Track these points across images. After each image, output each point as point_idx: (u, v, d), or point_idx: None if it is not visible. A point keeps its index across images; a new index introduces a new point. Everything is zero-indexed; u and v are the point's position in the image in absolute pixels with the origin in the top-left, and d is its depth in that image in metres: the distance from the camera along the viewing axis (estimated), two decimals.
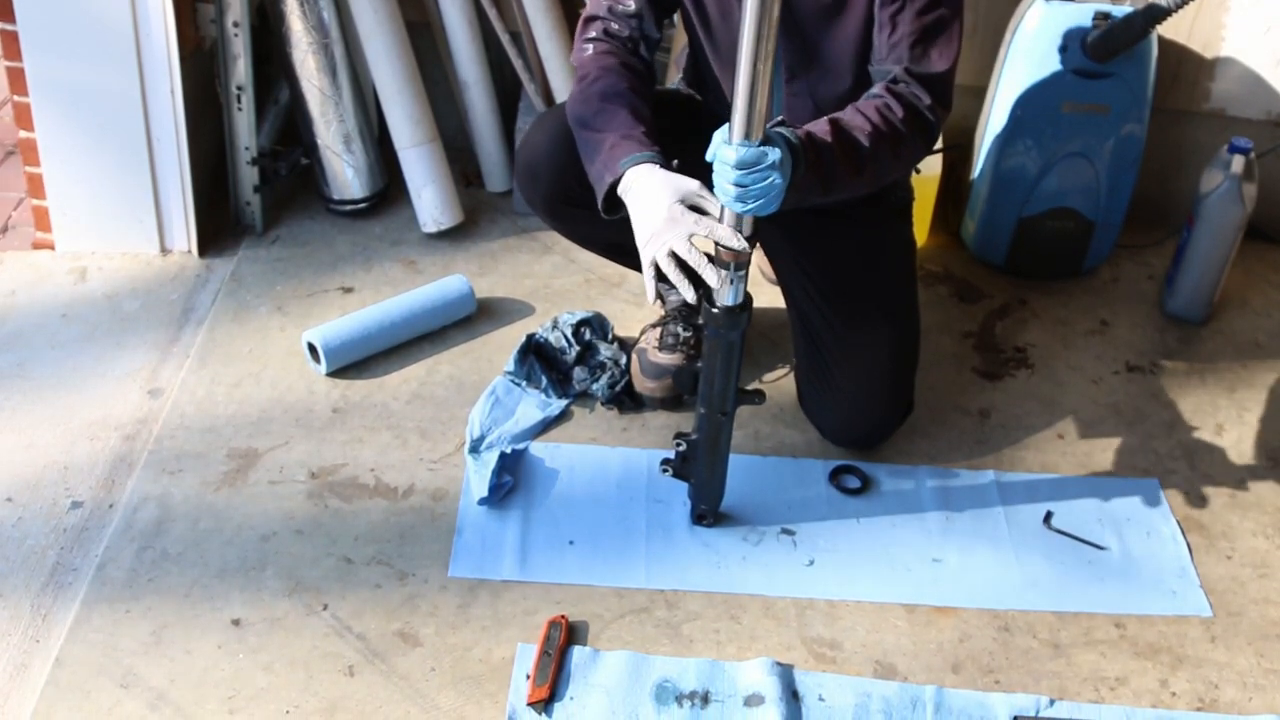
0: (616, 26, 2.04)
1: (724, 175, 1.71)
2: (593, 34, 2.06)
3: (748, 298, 1.86)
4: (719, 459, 2.02)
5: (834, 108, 1.95)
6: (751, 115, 1.67)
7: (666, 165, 1.85)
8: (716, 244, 1.79)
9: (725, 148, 1.71)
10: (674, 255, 1.79)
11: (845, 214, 2.23)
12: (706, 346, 1.89)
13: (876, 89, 1.95)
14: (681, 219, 1.78)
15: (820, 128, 1.84)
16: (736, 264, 1.79)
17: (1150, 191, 2.86)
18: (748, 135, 1.69)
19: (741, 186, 1.71)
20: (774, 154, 1.70)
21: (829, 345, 2.20)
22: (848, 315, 2.19)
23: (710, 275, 1.79)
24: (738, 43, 2.01)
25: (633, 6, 2.04)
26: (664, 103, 2.14)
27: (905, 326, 2.24)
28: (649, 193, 1.82)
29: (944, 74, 1.96)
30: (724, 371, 1.91)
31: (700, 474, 2.04)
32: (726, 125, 1.72)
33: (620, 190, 1.87)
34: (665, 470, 2.05)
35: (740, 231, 1.78)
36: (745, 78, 1.64)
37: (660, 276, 1.82)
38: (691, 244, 1.78)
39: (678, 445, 2.01)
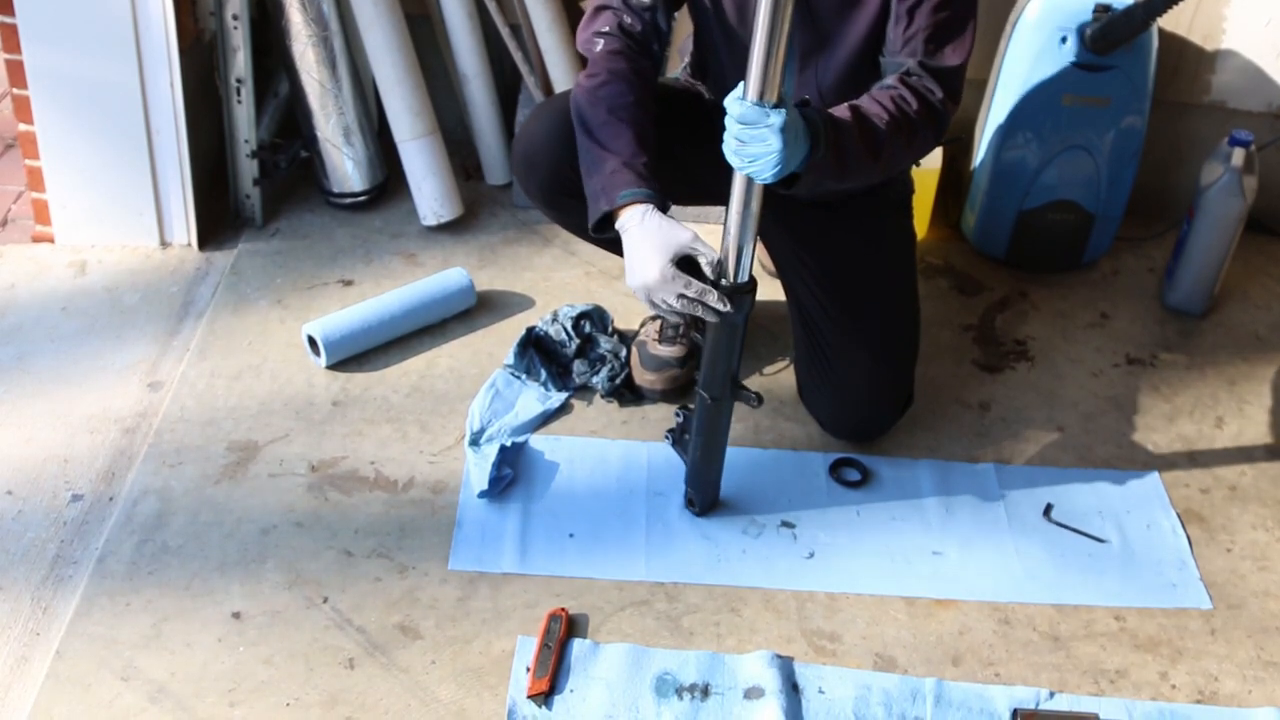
0: (630, 20, 2.03)
1: (729, 129, 1.72)
2: (605, 27, 2.03)
3: (753, 280, 1.86)
4: (713, 448, 2.02)
5: (835, 97, 1.95)
6: (765, 77, 1.67)
7: (663, 206, 1.88)
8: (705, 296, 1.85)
9: (732, 101, 1.71)
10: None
11: (845, 207, 2.23)
12: (709, 327, 1.89)
13: (890, 80, 1.95)
14: (673, 281, 1.83)
15: (841, 111, 1.85)
16: (736, 305, 1.85)
17: (1150, 184, 2.86)
18: (761, 96, 1.69)
19: (740, 142, 1.71)
20: (777, 117, 1.69)
21: (828, 338, 2.20)
22: (847, 308, 2.19)
23: (709, 314, 1.84)
24: (749, 21, 2.02)
25: None
26: (665, 96, 2.14)
27: (905, 319, 2.25)
28: (643, 243, 1.85)
29: (957, 69, 1.97)
30: (725, 354, 1.91)
31: (693, 456, 2.04)
32: (743, 83, 1.73)
33: (617, 224, 1.90)
34: (667, 437, 2.06)
35: (740, 274, 1.82)
36: (762, 39, 1.63)
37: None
38: (683, 294, 1.83)
39: (677, 415, 2.04)
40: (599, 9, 2.06)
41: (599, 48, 2.02)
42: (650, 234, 1.85)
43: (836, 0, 1.99)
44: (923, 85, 1.95)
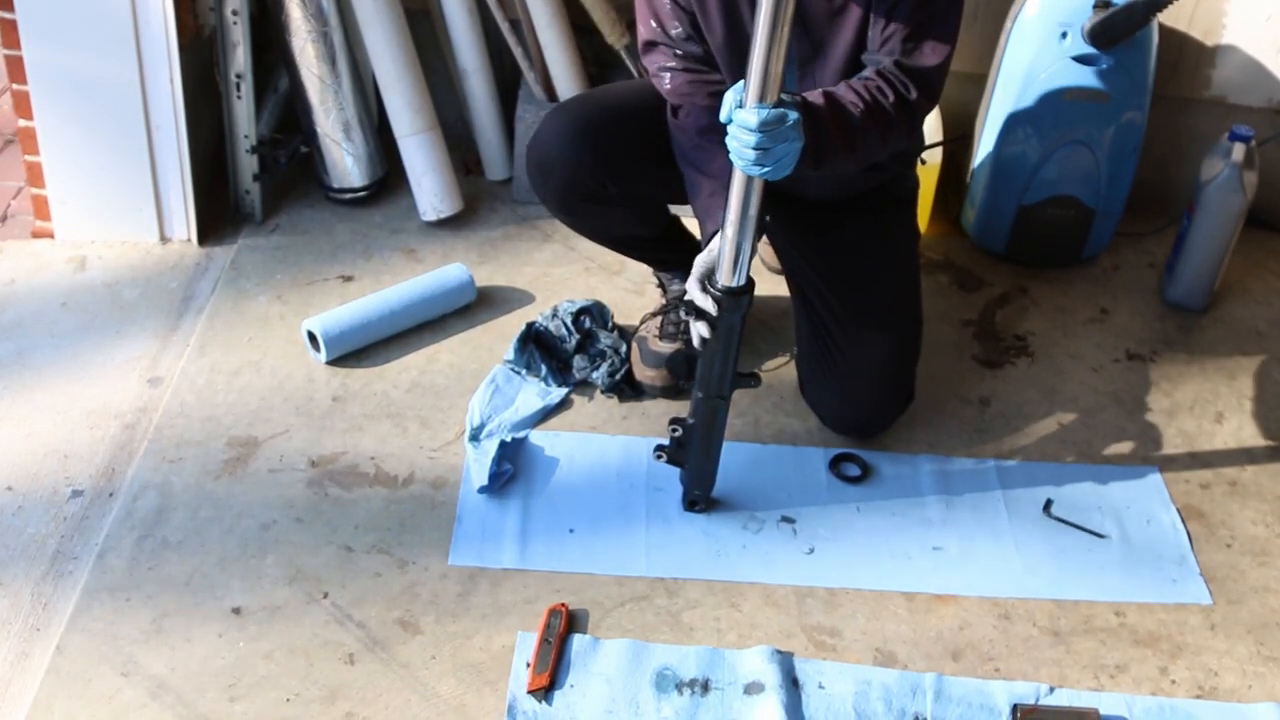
0: (681, 50, 2.06)
1: (743, 139, 1.71)
2: (667, 62, 2.07)
3: (750, 281, 1.86)
4: (714, 443, 2.02)
5: None
6: (768, 77, 1.66)
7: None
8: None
9: (744, 111, 1.70)
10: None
11: (850, 203, 2.23)
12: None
13: (867, 72, 1.96)
14: (694, 289, 1.94)
15: (815, 97, 1.85)
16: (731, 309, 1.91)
17: (1151, 179, 2.86)
18: (763, 97, 1.68)
19: (763, 150, 1.71)
20: (793, 115, 1.70)
21: (833, 333, 2.20)
22: (851, 304, 2.19)
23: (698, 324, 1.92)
24: (731, 27, 2.01)
25: (682, 29, 2.04)
26: (658, 105, 2.15)
27: (908, 316, 2.25)
28: (710, 250, 1.95)
29: (934, 69, 1.96)
30: (724, 355, 1.91)
31: (695, 458, 2.04)
32: (736, 88, 1.71)
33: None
34: (659, 457, 2.05)
35: (738, 276, 1.86)
36: (764, 40, 1.63)
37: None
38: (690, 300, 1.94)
39: (673, 431, 2.02)
40: (648, 45, 2.09)
41: (667, 84, 2.07)
42: (713, 246, 1.93)
43: (826, 7, 1.99)
44: (898, 80, 1.95)
